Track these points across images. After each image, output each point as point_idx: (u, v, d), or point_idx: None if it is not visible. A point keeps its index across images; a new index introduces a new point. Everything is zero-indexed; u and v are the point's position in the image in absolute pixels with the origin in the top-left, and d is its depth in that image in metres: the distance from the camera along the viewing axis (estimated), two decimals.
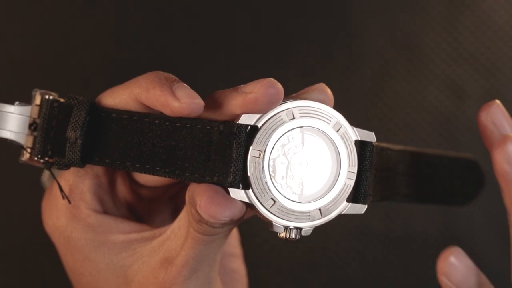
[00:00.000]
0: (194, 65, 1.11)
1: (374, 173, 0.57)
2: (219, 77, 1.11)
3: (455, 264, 0.57)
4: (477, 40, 1.13)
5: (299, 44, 1.13)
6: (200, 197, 0.53)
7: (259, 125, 0.54)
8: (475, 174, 0.74)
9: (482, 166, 0.74)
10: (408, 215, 1.14)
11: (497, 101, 0.60)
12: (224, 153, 0.54)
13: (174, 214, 0.65)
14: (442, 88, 1.13)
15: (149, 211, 0.64)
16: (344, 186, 0.55)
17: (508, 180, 0.58)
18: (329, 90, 0.57)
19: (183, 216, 0.57)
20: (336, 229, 1.13)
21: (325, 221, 0.55)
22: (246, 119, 0.54)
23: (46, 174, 0.65)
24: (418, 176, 0.65)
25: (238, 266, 0.69)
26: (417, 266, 1.15)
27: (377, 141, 0.57)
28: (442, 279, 0.58)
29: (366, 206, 0.56)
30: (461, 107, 1.13)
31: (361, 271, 1.14)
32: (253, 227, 0.87)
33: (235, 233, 0.70)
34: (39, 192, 0.65)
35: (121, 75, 0.60)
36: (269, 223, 0.55)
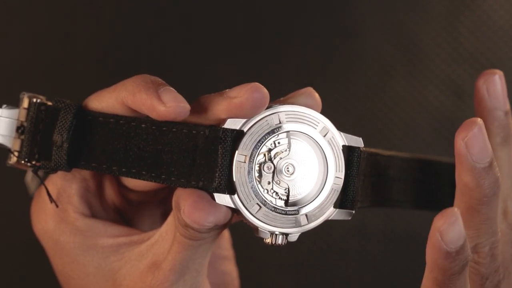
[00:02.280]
0: (194, 66, 1.11)
1: (363, 178, 0.57)
2: (218, 78, 1.10)
3: (453, 225, 0.53)
4: (477, 40, 1.12)
5: (299, 44, 1.13)
6: (184, 202, 0.53)
7: (245, 130, 0.54)
8: None
9: None
10: (408, 215, 1.13)
11: (499, 73, 0.59)
12: (209, 157, 0.53)
13: (163, 217, 0.65)
14: (442, 88, 1.12)
15: (139, 214, 0.64)
16: (331, 192, 0.55)
17: (462, 162, 0.57)
18: (317, 95, 0.56)
19: (170, 221, 0.57)
20: (336, 229, 1.13)
21: (312, 227, 0.55)
22: (232, 124, 0.53)
23: (29, 174, 0.65)
24: (410, 182, 0.64)
25: (230, 268, 0.69)
26: (417, 266, 1.14)
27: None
28: (435, 236, 0.54)
29: (353, 212, 0.56)
30: (461, 107, 1.12)
31: (361, 271, 1.14)
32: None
33: (226, 235, 0.69)
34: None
35: (120, 77, 0.60)
36: (255, 229, 0.54)
